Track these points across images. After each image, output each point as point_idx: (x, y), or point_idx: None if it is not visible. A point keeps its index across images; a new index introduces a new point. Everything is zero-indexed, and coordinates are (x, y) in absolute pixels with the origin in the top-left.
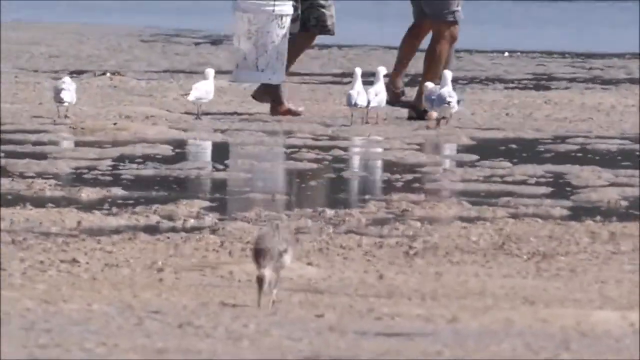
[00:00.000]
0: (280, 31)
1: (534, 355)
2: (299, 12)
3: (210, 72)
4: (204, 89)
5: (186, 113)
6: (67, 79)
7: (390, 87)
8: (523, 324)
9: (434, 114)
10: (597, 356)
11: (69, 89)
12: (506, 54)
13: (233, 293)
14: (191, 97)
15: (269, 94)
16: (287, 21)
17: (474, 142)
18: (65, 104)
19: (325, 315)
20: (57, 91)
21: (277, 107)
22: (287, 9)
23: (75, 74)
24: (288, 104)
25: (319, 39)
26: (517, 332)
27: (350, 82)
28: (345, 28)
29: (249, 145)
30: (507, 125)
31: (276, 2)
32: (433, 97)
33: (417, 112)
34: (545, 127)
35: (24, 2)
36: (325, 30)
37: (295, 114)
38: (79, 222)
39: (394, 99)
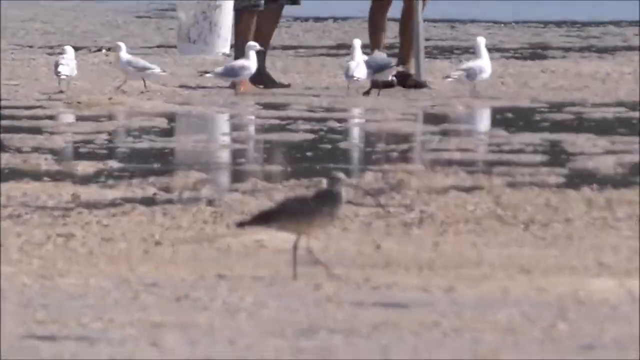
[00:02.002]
0: (212, 2)
1: (531, 324)
2: None
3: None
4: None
5: (181, 87)
6: (69, 50)
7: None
8: (520, 293)
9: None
10: (595, 324)
11: (68, 63)
12: (502, 25)
13: (230, 265)
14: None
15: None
16: None
17: (470, 111)
18: (64, 77)
19: (322, 287)
20: (56, 65)
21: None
22: None
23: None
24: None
25: (313, 11)
26: (514, 301)
27: (347, 54)
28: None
29: (244, 118)
30: (503, 94)
31: None
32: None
33: (418, 83)
34: (542, 95)
35: None
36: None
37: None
38: (75, 196)
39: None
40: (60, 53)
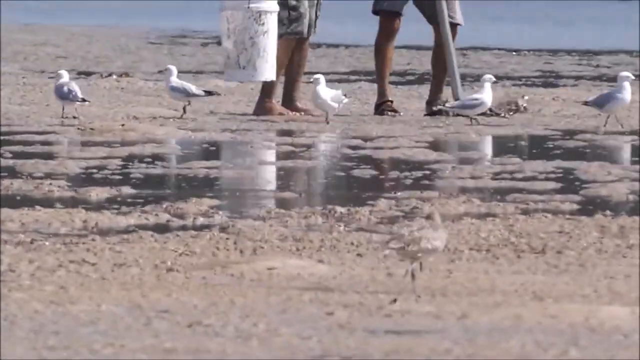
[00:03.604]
0: (260, 28)
1: (543, 351)
2: (303, 12)
3: (174, 68)
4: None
5: (195, 112)
6: (65, 74)
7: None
8: (532, 320)
9: None
10: (606, 352)
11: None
12: (513, 53)
13: (243, 292)
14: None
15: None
16: (267, 18)
17: (483, 139)
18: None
19: (335, 313)
20: (68, 90)
21: (263, 103)
22: (267, 5)
23: (83, 75)
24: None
25: (325, 38)
26: (527, 329)
27: (359, 80)
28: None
29: (258, 144)
30: (516, 122)
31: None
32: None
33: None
34: (554, 123)
35: (33, 3)
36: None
37: (281, 113)
38: (87, 222)
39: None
40: (53, 77)
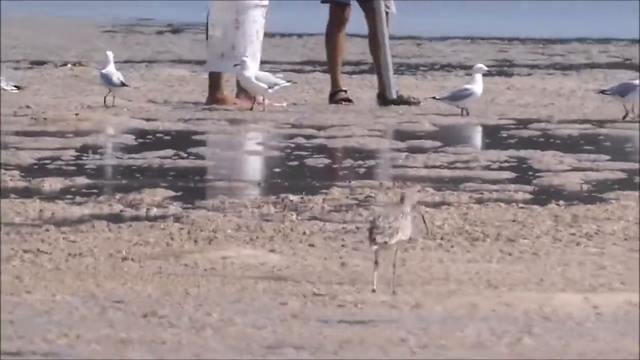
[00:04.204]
0: (263, 21)
1: (497, 339)
2: None
3: (110, 55)
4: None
5: (149, 102)
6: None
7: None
8: (487, 308)
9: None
10: (560, 339)
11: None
12: (468, 41)
13: (197, 281)
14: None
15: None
16: (266, 12)
17: (436, 128)
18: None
19: (288, 303)
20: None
21: (215, 95)
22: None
23: (37, 64)
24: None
25: (278, 27)
26: (481, 317)
27: (313, 70)
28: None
29: (211, 134)
30: (469, 111)
31: None
32: None
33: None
34: (508, 112)
35: None
36: None
37: (235, 103)
38: (42, 212)
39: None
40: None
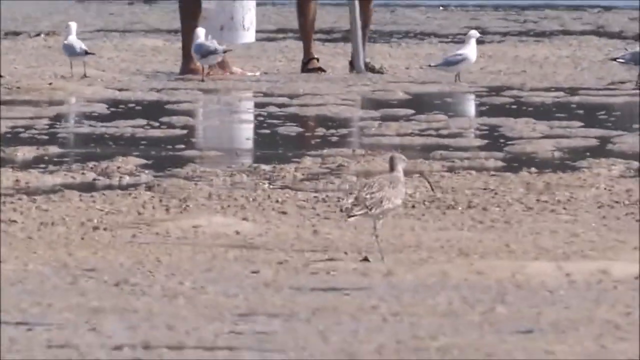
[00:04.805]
0: None
1: (469, 308)
2: None
3: (73, 25)
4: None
5: (122, 72)
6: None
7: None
8: (459, 276)
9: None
10: (533, 308)
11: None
12: (440, 7)
13: (169, 250)
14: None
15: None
16: None
17: (409, 96)
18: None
19: (260, 271)
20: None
21: (188, 65)
22: None
23: (11, 35)
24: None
25: None
26: (453, 285)
27: (286, 38)
28: None
29: (184, 103)
30: (442, 79)
31: None
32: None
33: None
34: (480, 80)
35: None
36: None
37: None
38: (15, 181)
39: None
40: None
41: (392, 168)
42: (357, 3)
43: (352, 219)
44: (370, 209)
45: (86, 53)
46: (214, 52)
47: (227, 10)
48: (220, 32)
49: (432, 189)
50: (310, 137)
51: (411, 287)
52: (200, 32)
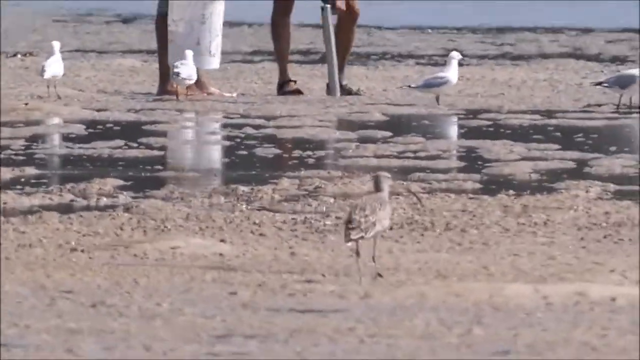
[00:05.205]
0: (223, 13)
1: (447, 329)
2: None
3: (57, 44)
4: (57, 65)
5: (100, 92)
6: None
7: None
8: (436, 298)
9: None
10: (510, 330)
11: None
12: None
13: (146, 271)
14: (47, 75)
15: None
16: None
17: (386, 118)
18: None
19: (238, 293)
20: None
21: (165, 86)
22: None
23: None
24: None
25: (227, 17)
26: (431, 307)
27: (263, 60)
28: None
29: (161, 124)
30: (419, 101)
31: None
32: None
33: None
34: (458, 102)
35: None
36: None
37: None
38: None
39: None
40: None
41: (377, 188)
42: (332, 28)
43: (350, 243)
44: (366, 232)
45: (53, 76)
46: (175, 75)
47: (194, 35)
48: (196, 60)
49: (420, 203)
50: (288, 159)
51: (389, 309)
52: (189, 54)
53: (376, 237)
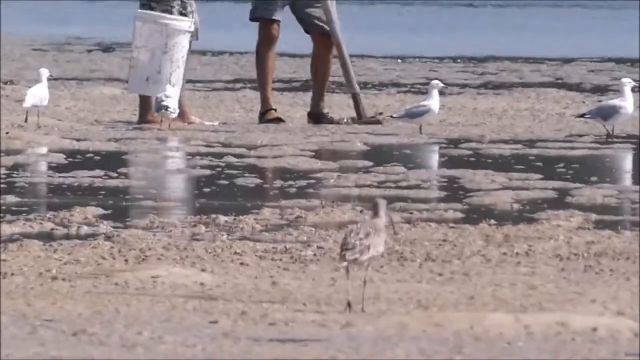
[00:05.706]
0: (187, 46)
1: (428, 359)
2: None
3: (44, 72)
4: (39, 94)
5: (80, 121)
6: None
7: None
8: (417, 328)
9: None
10: None
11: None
12: (399, 60)
13: (127, 300)
14: (27, 104)
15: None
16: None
17: (368, 148)
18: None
19: (219, 322)
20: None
21: (146, 116)
22: (191, 24)
23: None
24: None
25: (210, 45)
26: (411, 337)
27: (244, 88)
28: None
29: (142, 153)
30: (400, 131)
31: (188, 18)
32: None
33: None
34: (439, 132)
35: None
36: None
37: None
38: None
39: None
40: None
41: (375, 214)
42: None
43: (344, 263)
44: (361, 254)
45: (33, 105)
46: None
47: (155, 63)
48: (146, 83)
49: (395, 231)
50: (269, 189)
51: (370, 339)
52: (169, 87)
53: (371, 263)
